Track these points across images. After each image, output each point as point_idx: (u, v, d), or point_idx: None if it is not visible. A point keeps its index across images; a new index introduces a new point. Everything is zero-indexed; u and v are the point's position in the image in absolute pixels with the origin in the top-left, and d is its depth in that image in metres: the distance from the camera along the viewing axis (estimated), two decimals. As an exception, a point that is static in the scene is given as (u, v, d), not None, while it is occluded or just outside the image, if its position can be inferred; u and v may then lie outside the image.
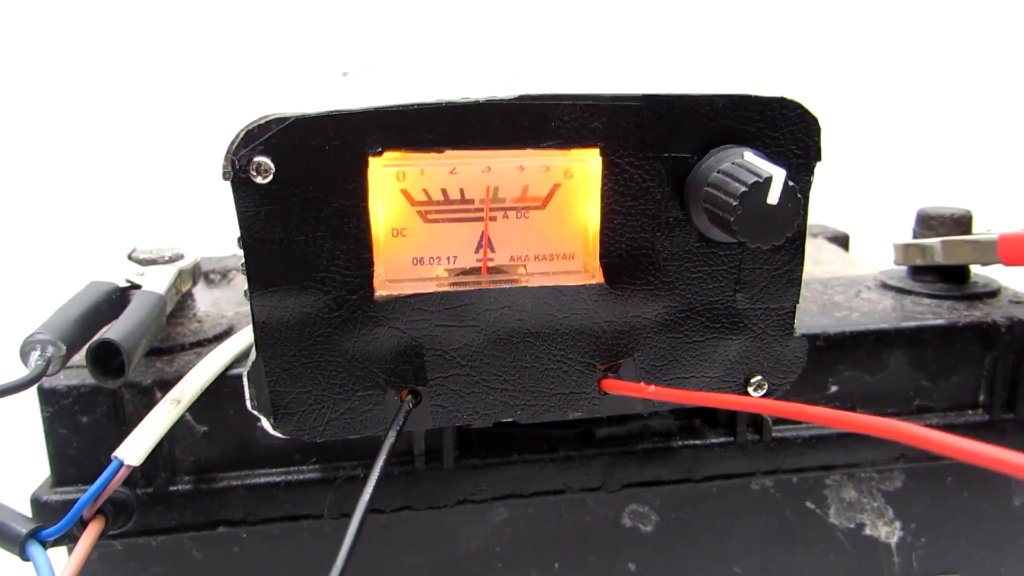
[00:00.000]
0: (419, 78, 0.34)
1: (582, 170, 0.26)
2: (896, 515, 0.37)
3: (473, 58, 0.53)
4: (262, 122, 0.23)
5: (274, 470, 0.32)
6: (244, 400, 0.26)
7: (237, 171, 0.23)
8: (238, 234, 0.24)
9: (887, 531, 0.38)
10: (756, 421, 0.35)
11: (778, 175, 0.24)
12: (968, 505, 0.38)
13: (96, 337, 0.27)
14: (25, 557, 0.26)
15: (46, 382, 0.30)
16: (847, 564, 0.38)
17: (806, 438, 0.36)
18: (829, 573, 0.38)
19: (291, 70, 0.68)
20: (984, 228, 0.38)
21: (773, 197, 0.24)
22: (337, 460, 0.33)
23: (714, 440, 0.35)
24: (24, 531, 0.26)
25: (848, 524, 0.37)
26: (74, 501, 0.28)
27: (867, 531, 0.37)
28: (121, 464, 0.27)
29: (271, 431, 0.26)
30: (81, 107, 0.72)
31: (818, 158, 0.27)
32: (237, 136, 0.23)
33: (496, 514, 0.34)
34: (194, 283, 0.36)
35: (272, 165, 0.23)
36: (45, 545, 0.26)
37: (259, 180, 0.23)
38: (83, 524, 0.27)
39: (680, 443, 0.35)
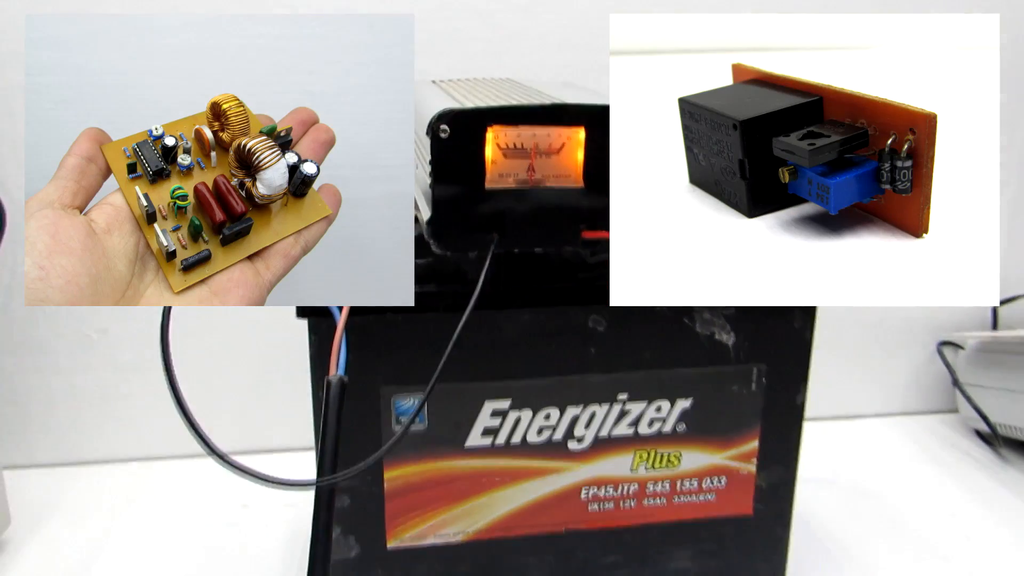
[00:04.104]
0: (499, 86, 0.66)
1: (576, 136, 0.58)
2: (731, 328, 0.68)
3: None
4: (444, 109, 0.55)
5: (416, 286, 0.64)
6: (423, 232, 0.57)
7: (434, 131, 0.55)
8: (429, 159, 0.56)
9: (727, 337, 0.69)
10: (658, 273, 0.67)
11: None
12: (770, 325, 0.69)
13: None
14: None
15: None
16: (706, 355, 0.69)
17: (684, 284, 0.68)
18: (696, 359, 0.69)
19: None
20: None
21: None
22: (446, 283, 0.63)
23: (636, 281, 0.67)
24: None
25: (706, 332, 0.68)
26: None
27: (716, 336, 0.69)
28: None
29: (435, 249, 0.58)
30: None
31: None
32: (433, 116, 0.55)
33: (523, 315, 0.65)
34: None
35: (448, 129, 0.55)
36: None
37: (442, 136, 0.55)
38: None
39: (619, 282, 0.67)
